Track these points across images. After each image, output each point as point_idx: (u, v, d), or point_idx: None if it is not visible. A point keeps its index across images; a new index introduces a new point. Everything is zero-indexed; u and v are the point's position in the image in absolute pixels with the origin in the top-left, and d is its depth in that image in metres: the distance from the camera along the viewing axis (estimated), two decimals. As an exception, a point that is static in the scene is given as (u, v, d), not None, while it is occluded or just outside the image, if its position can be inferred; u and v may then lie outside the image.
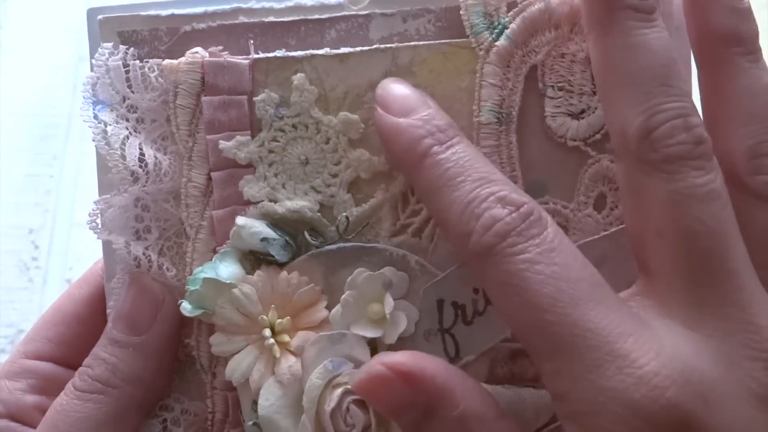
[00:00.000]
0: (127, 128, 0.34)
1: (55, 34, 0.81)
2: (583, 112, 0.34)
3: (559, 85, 0.34)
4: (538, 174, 0.35)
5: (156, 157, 0.34)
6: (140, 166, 0.34)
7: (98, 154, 0.34)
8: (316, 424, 0.32)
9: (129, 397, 0.34)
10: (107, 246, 0.35)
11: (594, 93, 0.34)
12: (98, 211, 0.35)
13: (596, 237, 0.34)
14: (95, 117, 0.33)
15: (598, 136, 0.34)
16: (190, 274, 0.34)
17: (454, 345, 0.34)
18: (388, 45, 0.34)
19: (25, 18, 0.83)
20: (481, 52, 0.34)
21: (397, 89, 0.32)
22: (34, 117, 0.78)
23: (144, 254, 0.35)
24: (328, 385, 0.32)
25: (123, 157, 0.34)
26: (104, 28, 0.35)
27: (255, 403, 0.34)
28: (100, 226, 0.35)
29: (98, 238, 0.35)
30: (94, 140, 0.34)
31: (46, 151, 0.77)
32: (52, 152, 0.77)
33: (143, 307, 0.34)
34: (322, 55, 0.35)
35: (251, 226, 0.34)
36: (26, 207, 0.75)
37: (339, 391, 0.32)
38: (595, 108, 0.34)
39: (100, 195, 0.35)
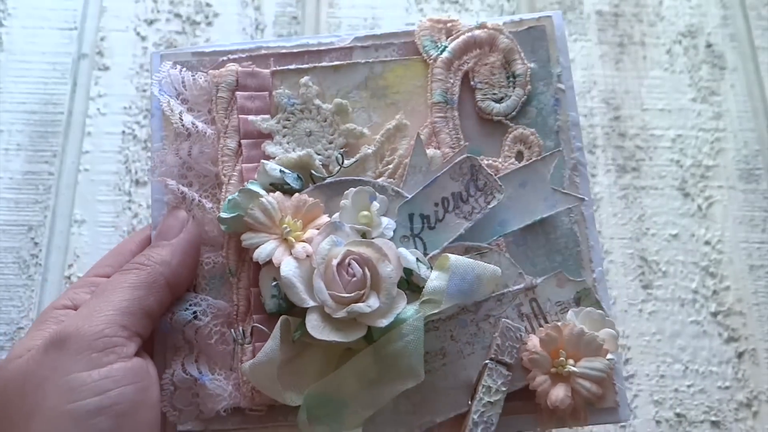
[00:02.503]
0: (181, 109, 0.56)
1: (55, 32, 0.92)
2: (502, 99, 0.59)
3: (485, 80, 0.58)
4: (475, 143, 0.59)
5: (202, 127, 0.56)
6: (192, 127, 0.55)
7: (160, 118, 0.58)
8: (325, 276, 0.50)
9: (158, 273, 0.54)
10: (156, 191, 0.55)
11: (508, 86, 0.58)
12: (155, 164, 0.55)
13: (516, 167, 0.56)
14: (160, 92, 0.56)
15: (513, 113, 0.58)
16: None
17: (422, 245, 0.54)
18: (367, 60, 0.59)
19: (25, 16, 0.93)
20: (431, 62, 0.59)
21: None
22: (34, 114, 0.88)
23: (189, 191, 0.55)
24: (332, 248, 0.51)
25: (181, 119, 0.55)
26: (163, 60, 0.59)
27: (274, 280, 0.52)
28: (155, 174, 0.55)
29: (153, 179, 0.55)
30: (161, 107, 0.55)
31: (45, 148, 0.86)
32: (52, 150, 0.86)
33: (172, 224, 0.56)
34: (321, 66, 0.59)
35: (272, 164, 0.55)
36: (26, 204, 0.84)
37: (342, 250, 0.51)
38: (510, 96, 0.58)
39: (153, 151, 0.57)
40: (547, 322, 0.55)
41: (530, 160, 0.58)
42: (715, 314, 0.80)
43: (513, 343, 0.53)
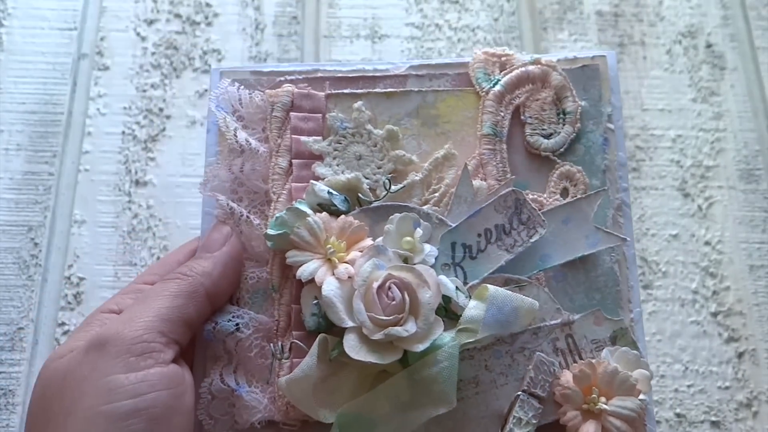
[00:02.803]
0: (236, 126, 0.59)
1: (55, 32, 0.94)
2: (551, 135, 0.60)
3: (535, 116, 0.60)
4: (522, 177, 0.61)
5: (255, 144, 0.58)
6: (246, 144, 0.58)
7: (215, 133, 0.61)
8: (365, 298, 0.52)
9: (199, 284, 0.56)
10: (207, 204, 0.58)
11: (558, 123, 0.60)
12: (208, 178, 0.57)
13: (560, 204, 0.57)
14: (217, 108, 0.59)
15: (561, 150, 0.60)
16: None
17: (463, 274, 0.56)
18: (420, 89, 0.61)
19: (25, 16, 0.95)
20: (483, 94, 0.61)
21: None
22: (34, 114, 0.89)
23: (237, 206, 0.57)
24: (374, 271, 0.53)
25: (235, 135, 0.58)
26: (223, 77, 0.61)
27: (315, 299, 0.54)
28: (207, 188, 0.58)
29: (204, 193, 0.57)
30: (217, 121, 0.58)
31: (45, 148, 0.88)
32: (52, 150, 0.88)
33: (216, 237, 0.59)
34: (375, 92, 0.62)
35: (320, 185, 0.57)
36: (26, 205, 0.85)
37: (384, 273, 0.53)
38: (560, 132, 0.60)
39: (207, 165, 0.60)
40: (581, 358, 0.57)
41: (575, 198, 0.59)
42: (715, 314, 0.81)
43: (546, 377, 0.55)
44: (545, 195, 0.60)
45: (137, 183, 0.85)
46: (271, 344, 0.57)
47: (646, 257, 0.82)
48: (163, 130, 0.88)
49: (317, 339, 0.54)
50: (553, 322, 0.57)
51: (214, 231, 0.60)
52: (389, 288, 0.54)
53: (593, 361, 0.55)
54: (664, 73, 0.90)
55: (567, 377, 0.55)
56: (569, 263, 0.59)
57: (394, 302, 0.54)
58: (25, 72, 0.91)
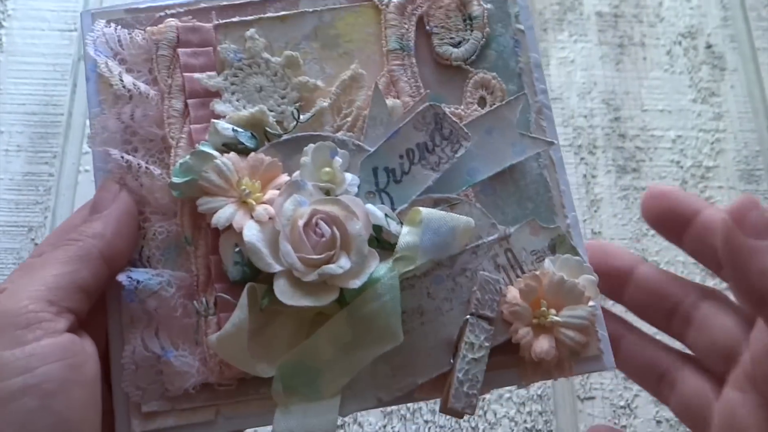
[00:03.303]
0: (120, 69, 0.53)
1: (54, 33, 0.93)
2: (460, 42, 0.57)
3: (441, 24, 0.57)
4: (435, 90, 0.57)
5: (144, 88, 0.53)
6: (133, 88, 0.53)
7: (96, 81, 0.55)
8: (292, 238, 0.48)
9: (91, 246, 0.51)
10: (98, 160, 0.52)
11: (465, 29, 0.56)
12: (96, 131, 0.52)
13: (482, 113, 0.54)
14: (96, 53, 0.53)
15: (473, 58, 0.56)
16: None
17: (389, 200, 0.52)
18: (315, 8, 0.57)
19: (25, 17, 0.94)
20: (383, 7, 0.57)
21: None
22: (34, 116, 0.89)
23: (133, 158, 0.52)
24: (297, 208, 0.49)
25: (121, 79, 0.52)
26: (95, 19, 0.56)
27: (236, 246, 0.50)
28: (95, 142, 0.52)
29: (93, 148, 0.52)
30: (97, 67, 0.52)
31: (45, 149, 0.87)
32: (52, 151, 0.87)
33: (104, 196, 0.54)
34: (267, 17, 0.57)
35: (223, 123, 0.52)
36: (26, 205, 0.85)
37: (308, 209, 0.48)
38: (468, 39, 0.57)
39: (91, 117, 0.54)
40: (523, 272, 0.54)
41: (494, 106, 0.56)
42: (715, 314, 0.81)
43: (493, 296, 0.52)
44: (462, 107, 0.57)
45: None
46: (194, 301, 0.52)
47: (646, 257, 0.82)
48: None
49: (245, 288, 0.50)
50: (490, 238, 0.54)
51: (101, 189, 0.54)
52: (316, 224, 0.50)
53: (537, 273, 0.53)
54: (664, 74, 0.90)
55: (513, 293, 0.53)
56: (497, 175, 0.56)
57: (323, 239, 0.50)
58: (25, 73, 0.91)
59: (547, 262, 0.54)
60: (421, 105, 0.55)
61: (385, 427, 0.84)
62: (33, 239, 0.83)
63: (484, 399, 0.83)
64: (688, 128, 0.89)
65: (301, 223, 0.50)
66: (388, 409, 0.84)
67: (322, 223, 0.50)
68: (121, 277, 0.51)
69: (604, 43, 0.92)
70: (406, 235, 0.51)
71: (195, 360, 0.51)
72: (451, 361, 0.52)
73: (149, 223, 0.54)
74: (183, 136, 0.55)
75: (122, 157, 0.53)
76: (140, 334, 0.51)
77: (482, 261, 0.54)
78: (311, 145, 0.53)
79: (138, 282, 0.51)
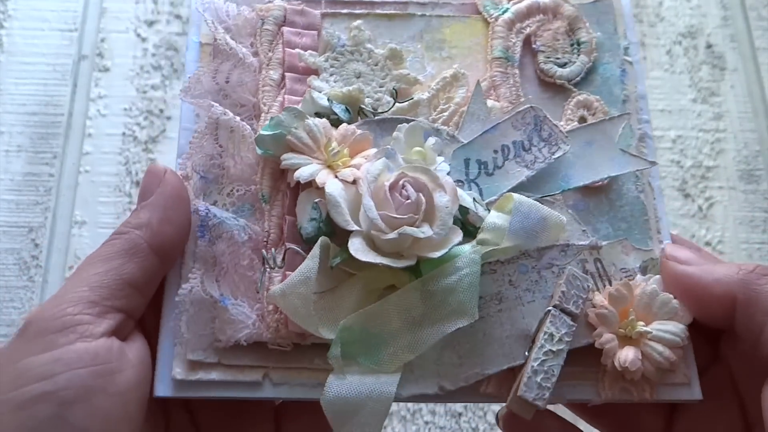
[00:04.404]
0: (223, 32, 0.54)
1: (55, 34, 0.93)
2: (566, 64, 0.57)
3: (548, 44, 0.56)
4: (535, 104, 0.55)
5: (244, 51, 0.53)
6: (236, 47, 0.53)
7: (197, 50, 0.55)
8: (376, 196, 0.46)
9: (137, 237, 0.48)
10: (186, 117, 0.52)
11: (572, 53, 0.56)
12: (190, 84, 0.51)
13: (584, 125, 0.53)
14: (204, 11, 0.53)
15: (577, 79, 0.56)
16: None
17: (478, 191, 0.50)
18: (425, 13, 0.57)
19: (26, 18, 0.95)
20: (492, 20, 0.57)
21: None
22: (34, 116, 0.89)
23: (225, 115, 0.51)
24: (384, 170, 0.47)
25: (224, 37, 0.52)
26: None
27: (315, 203, 0.48)
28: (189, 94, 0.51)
29: (185, 101, 0.51)
30: (211, 29, 0.52)
31: (46, 150, 0.87)
32: (52, 151, 0.87)
33: (149, 180, 0.51)
34: (375, 13, 0.58)
35: (319, 93, 0.51)
36: (26, 206, 0.84)
37: (396, 172, 0.47)
38: (575, 62, 0.56)
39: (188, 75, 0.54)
40: (611, 285, 0.50)
41: (600, 119, 0.55)
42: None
43: (579, 293, 0.49)
44: (562, 123, 0.55)
45: (138, 184, 0.84)
46: (264, 250, 0.49)
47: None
48: (164, 131, 0.88)
49: (318, 241, 0.47)
50: (581, 243, 0.51)
51: (146, 174, 0.51)
52: (403, 186, 0.48)
53: (630, 282, 0.50)
54: (665, 74, 0.91)
55: (601, 297, 0.49)
56: (591, 193, 0.53)
57: (408, 201, 0.47)
58: (25, 73, 0.91)
59: (638, 278, 0.50)
60: (522, 106, 0.54)
61: (385, 428, 0.81)
62: (33, 239, 0.82)
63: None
64: (688, 128, 0.89)
65: (387, 184, 0.48)
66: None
67: (408, 186, 0.48)
68: (200, 205, 0.49)
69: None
70: (494, 217, 0.49)
71: (252, 313, 0.48)
72: (526, 354, 0.48)
73: (227, 179, 0.52)
74: (275, 104, 0.54)
75: (215, 107, 0.52)
76: (201, 275, 0.49)
77: (570, 261, 0.51)
78: (406, 124, 0.52)
79: (214, 216, 0.49)
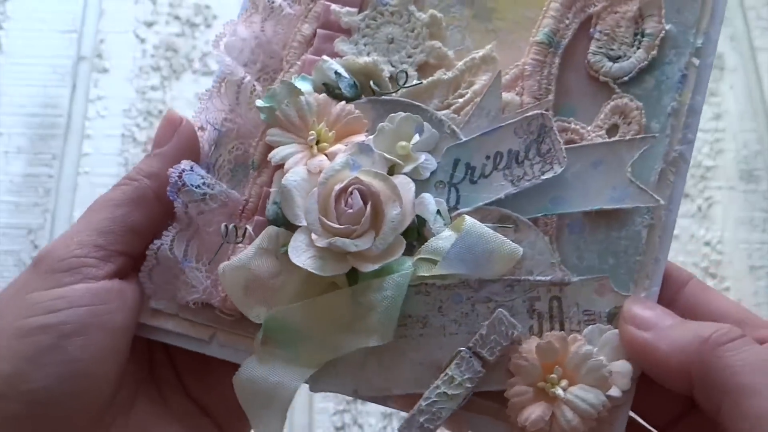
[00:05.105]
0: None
1: (54, 35, 0.96)
2: (619, 57, 0.50)
3: (606, 31, 0.50)
4: (571, 99, 0.51)
5: (285, 2, 0.53)
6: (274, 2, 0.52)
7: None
8: (321, 198, 0.46)
9: (146, 187, 0.52)
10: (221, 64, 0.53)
11: (631, 45, 0.49)
12: (223, 33, 0.52)
13: (596, 142, 0.48)
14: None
15: (625, 79, 0.49)
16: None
17: (456, 197, 0.48)
18: (478, -24, 0.52)
19: (25, 19, 0.98)
20: (552, -6, 0.51)
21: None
22: (34, 117, 0.92)
23: (243, 71, 0.52)
24: (343, 170, 0.46)
25: (265, -7, 0.52)
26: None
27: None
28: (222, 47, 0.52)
29: (215, 51, 0.52)
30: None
31: (45, 151, 0.90)
32: (52, 152, 0.90)
33: (164, 128, 0.54)
34: (429, -29, 0.53)
35: (331, 63, 0.50)
36: (25, 207, 0.88)
37: (350, 177, 0.46)
38: (629, 57, 0.49)
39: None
40: (563, 328, 0.48)
41: (615, 139, 0.49)
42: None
43: (500, 339, 0.47)
44: (589, 127, 0.50)
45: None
46: (224, 224, 0.52)
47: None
48: (163, 131, 0.90)
49: (264, 230, 0.50)
50: (540, 278, 0.48)
51: (163, 121, 0.54)
52: (350, 193, 0.48)
53: (568, 337, 0.47)
54: None
55: (530, 346, 0.47)
56: (592, 216, 0.49)
57: (350, 211, 0.47)
58: (24, 75, 0.93)
59: (591, 328, 0.47)
60: (534, 110, 0.49)
61: (385, 428, 0.83)
62: (33, 241, 0.84)
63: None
64: (688, 128, 0.82)
65: (337, 187, 0.48)
66: (389, 410, 0.83)
67: (356, 194, 0.47)
68: (171, 171, 0.52)
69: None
70: (439, 239, 0.47)
71: (207, 279, 0.52)
72: (431, 385, 0.47)
73: (234, 135, 0.54)
74: (298, 63, 0.54)
75: (233, 72, 0.53)
76: (175, 233, 0.52)
77: (515, 299, 0.48)
78: (401, 114, 0.50)
79: (183, 184, 0.52)
